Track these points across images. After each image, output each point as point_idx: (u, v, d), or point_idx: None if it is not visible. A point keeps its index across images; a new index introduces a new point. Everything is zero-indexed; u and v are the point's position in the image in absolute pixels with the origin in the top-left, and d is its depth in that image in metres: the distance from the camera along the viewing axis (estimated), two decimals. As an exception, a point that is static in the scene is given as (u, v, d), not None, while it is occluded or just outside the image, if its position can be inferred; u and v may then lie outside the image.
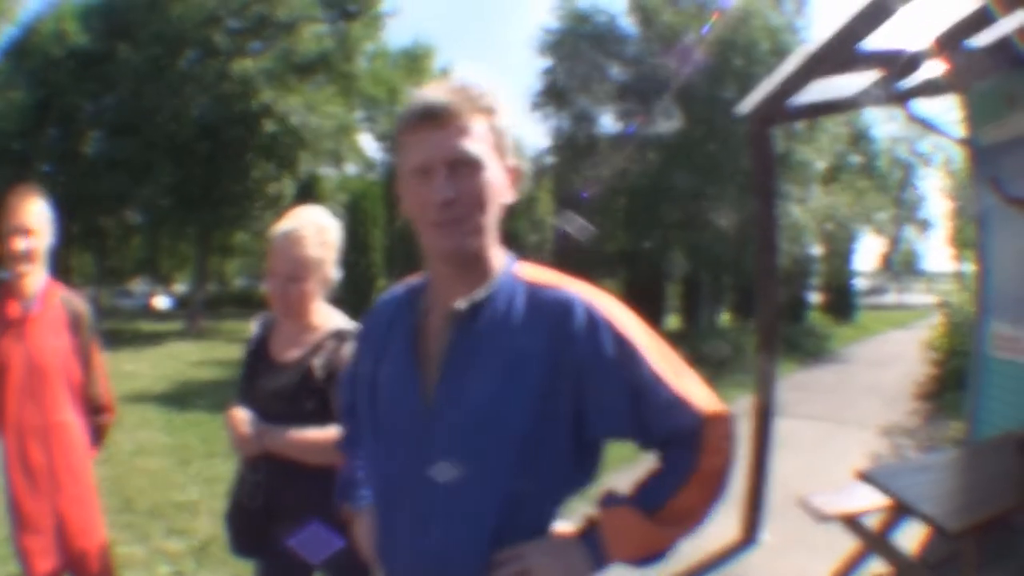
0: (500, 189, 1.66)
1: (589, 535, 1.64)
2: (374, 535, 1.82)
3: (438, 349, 1.67)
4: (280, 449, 2.66)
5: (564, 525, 1.71)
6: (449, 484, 1.60)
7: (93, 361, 3.71)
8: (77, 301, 3.69)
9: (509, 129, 1.68)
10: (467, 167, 1.58)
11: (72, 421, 3.56)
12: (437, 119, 1.57)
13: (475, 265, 1.67)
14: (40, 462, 3.44)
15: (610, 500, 1.66)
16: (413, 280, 1.88)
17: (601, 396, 1.61)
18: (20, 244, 3.42)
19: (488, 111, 1.63)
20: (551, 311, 1.62)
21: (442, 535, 1.62)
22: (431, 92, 1.62)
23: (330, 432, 2.57)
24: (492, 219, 1.65)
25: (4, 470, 3.46)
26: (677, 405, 1.62)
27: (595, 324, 1.60)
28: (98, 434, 3.79)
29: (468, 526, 1.60)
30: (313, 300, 2.82)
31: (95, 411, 3.73)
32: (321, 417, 2.66)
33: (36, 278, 3.53)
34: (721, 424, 1.66)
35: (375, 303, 1.99)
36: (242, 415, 2.68)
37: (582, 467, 1.70)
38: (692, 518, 1.64)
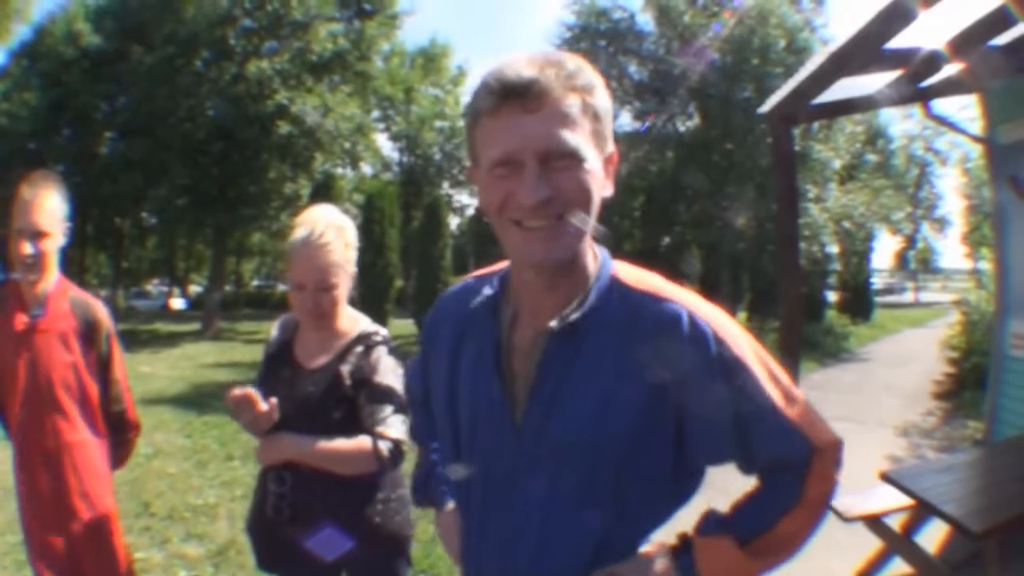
0: (601, 184, 1.41)
1: (683, 561, 1.52)
2: (460, 543, 1.72)
3: (527, 368, 1.50)
4: (308, 460, 2.51)
5: (656, 540, 1.58)
6: (540, 505, 1.48)
7: (113, 373, 3.33)
8: (92, 306, 3.28)
9: (608, 111, 1.42)
10: (563, 160, 1.33)
11: (87, 440, 3.20)
12: (526, 99, 1.32)
13: (570, 272, 1.47)
14: (47, 489, 3.10)
15: (708, 527, 1.54)
16: (486, 274, 1.69)
17: (704, 417, 1.45)
18: (28, 249, 3.02)
19: (585, 90, 1.37)
20: (654, 325, 1.43)
21: (533, 556, 1.50)
22: (516, 65, 1.34)
23: (359, 442, 2.52)
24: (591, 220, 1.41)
25: (15, 489, 3.18)
26: (789, 433, 1.48)
27: (703, 339, 1.42)
28: (120, 453, 3.43)
29: (560, 547, 1.48)
30: (341, 305, 2.70)
31: (117, 430, 3.37)
32: (348, 426, 2.55)
33: (45, 282, 3.16)
34: (831, 452, 1.53)
35: (440, 297, 1.80)
36: (250, 390, 2.43)
37: (681, 489, 1.57)
38: (791, 546, 1.55)
